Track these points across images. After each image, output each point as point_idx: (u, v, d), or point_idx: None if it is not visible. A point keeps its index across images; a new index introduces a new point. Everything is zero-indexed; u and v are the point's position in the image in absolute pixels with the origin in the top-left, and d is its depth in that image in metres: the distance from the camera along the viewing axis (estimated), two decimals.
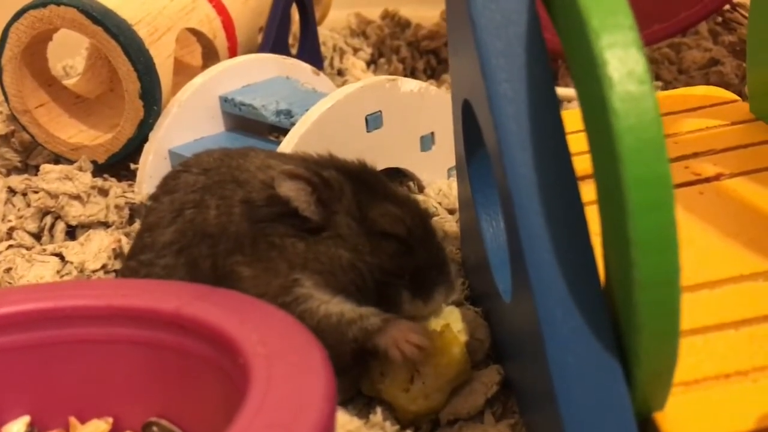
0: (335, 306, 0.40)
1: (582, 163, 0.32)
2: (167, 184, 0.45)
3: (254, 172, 0.42)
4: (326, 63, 0.93)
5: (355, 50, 0.97)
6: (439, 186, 0.64)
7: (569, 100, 0.77)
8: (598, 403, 0.30)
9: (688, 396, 0.32)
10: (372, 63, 0.96)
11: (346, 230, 0.40)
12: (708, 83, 0.80)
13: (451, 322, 0.44)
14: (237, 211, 0.41)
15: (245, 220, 0.40)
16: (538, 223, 0.31)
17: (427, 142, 0.63)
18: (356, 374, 0.44)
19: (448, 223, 0.59)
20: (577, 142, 0.33)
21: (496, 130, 0.31)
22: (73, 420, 0.39)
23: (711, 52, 0.87)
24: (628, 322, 0.29)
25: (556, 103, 0.31)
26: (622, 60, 0.27)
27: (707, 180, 0.45)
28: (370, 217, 0.40)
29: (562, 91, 0.76)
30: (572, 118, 0.33)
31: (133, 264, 0.44)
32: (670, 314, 0.28)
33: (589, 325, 0.30)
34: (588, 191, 0.32)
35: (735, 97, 0.53)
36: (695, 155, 0.47)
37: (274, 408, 0.28)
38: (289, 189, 0.39)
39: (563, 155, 0.31)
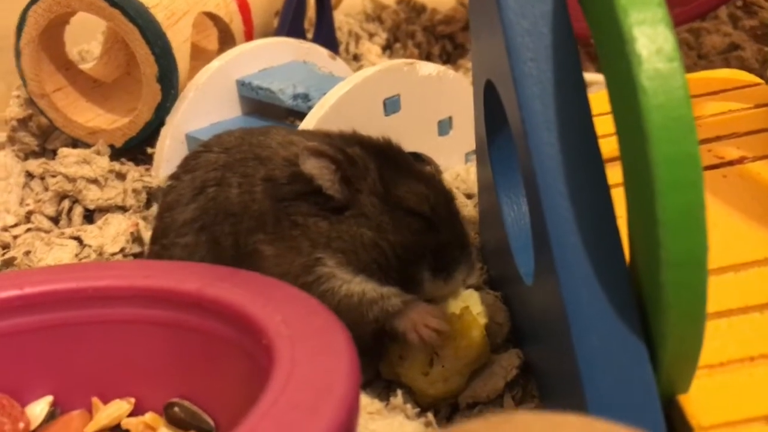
0: (357, 285, 0.39)
1: (607, 146, 0.32)
2: (188, 164, 0.45)
3: (276, 148, 0.42)
4: (341, 48, 0.93)
5: (371, 35, 0.96)
6: (456, 171, 0.64)
7: (590, 85, 0.76)
8: (623, 384, 0.29)
9: (712, 379, 0.32)
10: (387, 48, 0.96)
11: (370, 208, 0.40)
12: (728, 67, 0.79)
13: (470, 305, 0.44)
14: (259, 189, 0.41)
15: (267, 198, 0.40)
16: (563, 205, 0.30)
17: (444, 126, 0.63)
18: (375, 356, 0.44)
19: (466, 208, 0.58)
20: (603, 124, 0.32)
21: (521, 109, 0.31)
22: (95, 400, 0.39)
23: (731, 37, 0.86)
24: (654, 303, 0.29)
25: (582, 83, 0.31)
26: (651, 37, 0.27)
27: (730, 163, 0.44)
28: (394, 194, 0.40)
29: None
30: (598, 100, 0.33)
31: (156, 248, 0.44)
32: (697, 295, 0.28)
33: (615, 306, 0.30)
34: (613, 174, 0.31)
35: (758, 80, 0.53)
36: (718, 138, 0.47)
37: (298, 388, 0.28)
38: (313, 166, 0.39)
39: (589, 135, 0.31)
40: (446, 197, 0.42)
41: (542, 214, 0.31)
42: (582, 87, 0.31)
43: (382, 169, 0.41)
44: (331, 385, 0.28)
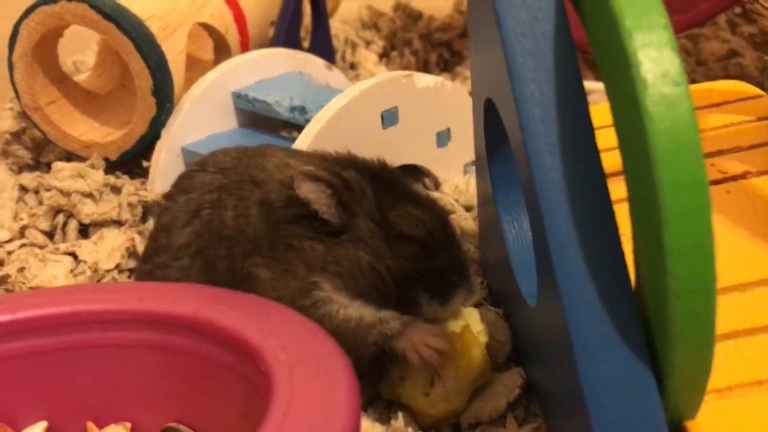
0: (355, 310, 0.39)
1: (611, 160, 0.32)
2: (182, 184, 0.44)
3: (272, 171, 0.41)
4: (338, 56, 0.92)
5: (367, 43, 0.96)
6: (455, 183, 0.63)
7: (589, 93, 0.75)
8: (630, 413, 0.29)
9: (720, 404, 0.32)
10: (384, 56, 0.95)
11: (366, 233, 0.39)
12: (727, 75, 0.79)
13: (471, 323, 0.43)
14: (254, 213, 0.40)
15: (263, 222, 0.40)
16: (566, 229, 0.30)
17: (443, 138, 0.62)
18: (375, 377, 0.43)
19: (465, 221, 0.58)
20: (606, 137, 0.32)
21: (523, 132, 0.30)
22: (90, 425, 0.38)
23: (730, 44, 0.85)
24: (661, 331, 0.28)
25: (585, 105, 0.31)
26: (657, 61, 0.26)
27: (734, 178, 0.44)
28: (390, 219, 0.40)
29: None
30: (599, 113, 0.32)
31: (148, 267, 0.44)
32: (705, 324, 0.27)
33: (620, 332, 0.29)
34: (616, 189, 0.31)
35: (760, 92, 0.52)
36: (720, 152, 0.46)
37: (297, 420, 0.27)
38: (309, 191, 0.38)
39: (592, 159, 0.30)
40: (443, 220, 0.42)
41: (545, 238, 0.30)
42: (585, 108, 0.31)
43: (378, 193, 0.40)
44: (332, 416, 0.27)
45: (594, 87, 0.71)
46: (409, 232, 0.40)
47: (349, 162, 0.42)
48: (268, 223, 0.40)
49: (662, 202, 0.26)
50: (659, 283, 0.27)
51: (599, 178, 0.30)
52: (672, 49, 0.26)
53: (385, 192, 0.40)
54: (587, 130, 0.30)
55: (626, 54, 0.26)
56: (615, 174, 0.32)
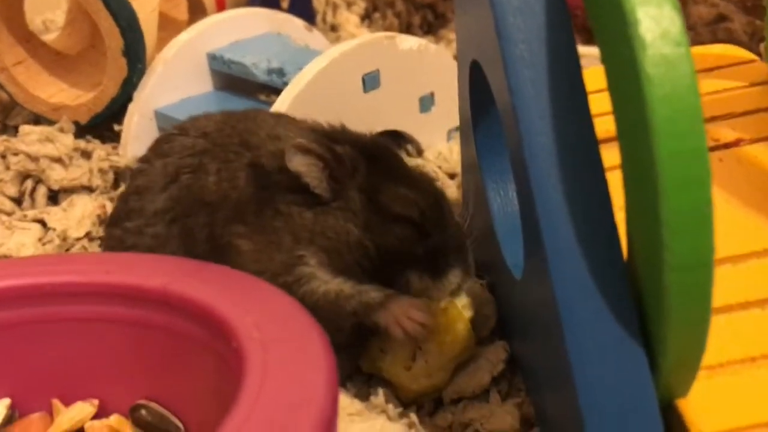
0: (335, 285, 0.37)
1: (603, 125, 0.30)
2: (160, 147, 0.42)
3: (264, 139, 0.40)
4: (318, 18, 0.90)
5: (349, 4, 0.93)
6: (438, 149, 0.61)
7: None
8: (620, 391, 0.27)
9: (712, 381, 0.30)
10: (366, 18, 0.93)
11: (358, 206, 0.38)
12: (715, 40, 0.77)
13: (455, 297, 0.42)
14: (242, 176, 0.38)
15: (251, 185, 0.38)
16: (556, 199, 0.28)
17: (426, 102, 0.61)
18: (355, 351, 0.42)
19: (449, 189, 0.56)
20: (599, 102, 0.30)
21: (512, 95, 0.29)
22: (56, 402, 0.37)
23: (718, 8, 0.83)
24: (654, 307, 0.27)
25: (578, 66, 0.29)
26: (656, 19, 0.24)
27: (726, 146, 0.42)
28: (383, 199, 0.38)
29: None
30: (591, 76, 0.31)
31: (117, 232, 0.42)
32: (702, 299, 0.26)
33: (611, 308, 0.28)
34: (609, 156, 0.29)
35: (753, 56, 0.50)
36: (713, 119, 0.45)
37: (271, 403, 0.25)
38: (300, 164, 0.37)
39: (584, 123, 0.28)
40: (437, 198, 0.40)
41: (534, 208, 0.29)
42: (578, 70, 0.29)
43: (371, 171, 0.39)
44: (307, 400, 0.26)
45: (584, 52, 0.69)
46: (401, 212, 0.38)
47: (342, 136, 0.40)
48: (257, 186, 0.38)
49: (660, 171, 0.24)
50: (654, 256, 0.26)
51: (591, 144, 0.28)
52: (672, 7, 0.24)
53: (378, 169, 0.39)
54: (579, 93, 0.28)
55: (623, 11, 0.24)
56: (607, 140, 0.30)
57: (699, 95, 0.24)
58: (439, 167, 0.60)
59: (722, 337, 0.32)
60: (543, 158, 0.28)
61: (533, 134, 0.28)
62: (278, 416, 0.25)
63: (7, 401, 0.36)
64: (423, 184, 0.40)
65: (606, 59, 0.27)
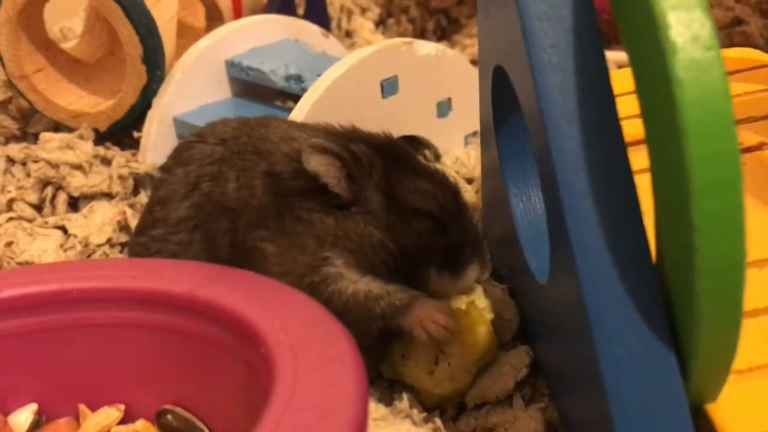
0: (364, 285, 0.38)
1: (630, 128, 0.30)
2: (180, 155, 0.42)
3: (277, 143, 0.40)
4: (333, 24, 0.90)
5: (363, 10, 0.93)
6: (456, 154, 0.61)
7: None
8: (650, 396, 0.27)
9: (741, 386, 0.30)
10: (380, 24, 0.93)
11: (377, 206, 0.38)
12: (731, 44, 0.77)
13: (475, 299, 0.42)
14: (259, 184, 0.39)
15: (268, 194, 0.38)
16: (585, 203, 0.28)
17: (444, 108, 0.61)
18: (377, 356, 0.42)
19: (467, 194, 0.56)
20: (626, 105, 0.30)
21: (539, 101, 0.29)
22: (82, 407, 0.37)
23: (734, 11, 0.83)
24: (684, 311, 0.27)
25: (606, 71, 0.29)
26: (686, 23, 0.24)
27: (749, 150, 0.42)
28: (401, 194, 0.38)
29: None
30: (618, 78, 0.31)
31: (143, 240, 0.42)
32: (733, 304, 0.26)
33: (641, 312, 0.28)
34: (637, 160, 0.29)
35: None
36: (735, 123, 0.44)
37: (302, 408, 0.25)
38: (317, 164, 0.37)
39: (613, 129, 0.28)
40: (454, 193, 0.40)
41: (562, 213, 0.29)
42: (606, 74, 0.29)
43: (388, 168, 0.39)
44: (338, 405, 0.26)
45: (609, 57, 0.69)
46: (421, 206, 0.38)
47: (356, 135, 0.40)
48: (274, 195, 0.38)
49: (691, 175, 0.24)
50: (684, 260, 0.26)
51: (620, 148, 0.28)
52: (703, 11, 0.24)
53: (394, 166, 0.39)
54: (608, 97, 0.29)
55: (654, 15, 0.24)
56: (634, 143, 0.30)
57: (730, 98, 0.24)
58: (457, 172, 0.60)
59: (751, 342, 0.32)
60: (571, 163, 0.28)
61: (561, 139, 0.29)
62: (310, 422, 0.25)
63: (34, 406, 0.37)
64: (440, 179, 0.40)
65: (634, 62, 0.27)
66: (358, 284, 0.38)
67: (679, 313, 0.28)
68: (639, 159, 0.29)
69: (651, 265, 0.28)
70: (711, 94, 0.24)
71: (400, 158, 0.40)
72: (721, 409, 0.30)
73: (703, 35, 0.24)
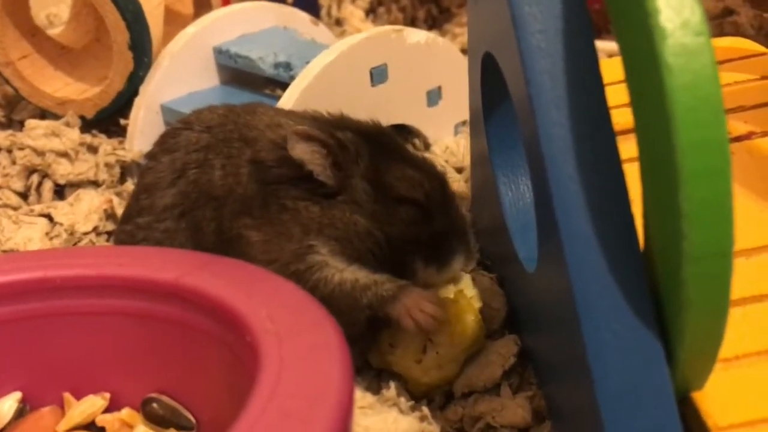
0: (350, 274, 0.37)
1: (619, 117, 0.30)
2: (166, 142, 0.42)
3: (263, 130, 0.39)
4: (323, 12, 0.89)
5: None
6: (446, 143, 0.61)
7: None
8: (637, 383, 0.27)
9: (728, 374, 0.30)
10: (371, 12, 0.92)
11: (362, 195, 0.38)
12: (722, 34, 0.77)
13: (463, 288, 0.42)
14: (245, 172, 0.38)
15: (254, 181, 0.38)
16: (573, 190, 0.28)
17: (434, 96, 0.60)
18: (365, 345, 0.41)
19: (456, 183, 0.56)
20: (615, 94, 0.30)
21: (528, 85, 0.28)
22: (67, 396, 0.37)
23: (725, 2, 0.83)
24: (671, 298, 0.27)
25: (595, 57, 0.29)
26: (676, 8, 0.24)
27: (738, 139, 0.42)
28: (387, 182, 0.38)
29: None
30: (609, 67, 0.30)
31: (129, 228, 0.42)
32: (721, 290, 0.26)
33: (628, 300, 0.28)
34: (626, 149, 0.29)
35: (763, 49, 0.50)
36: (724, 112, 0.44)
37: (288, 395, 0.25)
38: (302, 151, 0.37)
39: (602, 114, 0.28)
40: (441, 182, 0.40)
41: (550, 199, 0.28)
42: (595, 60, 0.29)
43: (374, 155, 0.38)
44: (324, 392, 0.25)
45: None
46: (406, 194, 0.38)
47: (343, 123, 0.40)
48: (259, 183, 0.38)
49: (680, 161, 0.24)
50: (672, 247, 0.26)
51: (608, 134, 0.28)
52: None
53: (381, 154, 0.39)
54: (596, 83, 0.28)
55: (644, 1, 0.24)
56: (623, 132, 0.30)
57: (720, 85, 0.24)
58: (447, 161, 0.59)
59: (738, 330, 0.32)
60: (559, 148, 0.28)
61: (549, 125, 0.28)
62: (296, 408, 0.25)
63: (18, 395, 0.36)
64: (427, 168, 0.40)
65: (624, 49, 0.27)
66: (344, 273, 0.37)
67: (666, 300, 0.27)
68: (627, 148, 0.29)
69: (639, 253, 0.28)
70: (700, 81, 0.24)
71: (388, 146, 0.40)
72: (707, 397, 0.29)
73: (693, 21, 0.24)
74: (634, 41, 0.26)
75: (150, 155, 0.43)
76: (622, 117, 0.30)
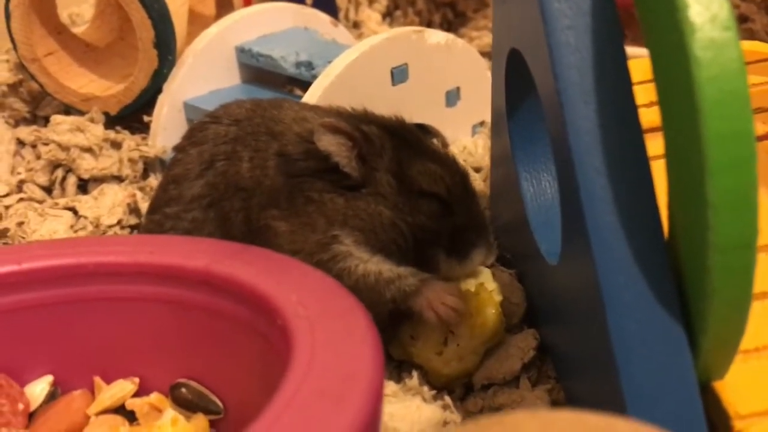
0: (374, 265, 0.38)
1: (647, 116, 0.30)
2: (194, 135, 0.43)
3: (289, 123, 0.40)
4: (341, 15, 0.90)
5: (371, 2, 0.94)
6: (464, 143, 0.62)
7: None
8: (660, 372, 0.28)
9: (747, 365, 0.31)
10: (387, 15, 0.93)
11: (387, 188, 0.38)
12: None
13: (484, 281, 0.43)
14: (271, 164, 0.39)
15: (280, 174, 0.39)
16: (600, 183, 0.29)
17: (452, 97, 0.61)
18: (386, 337, 0.42)
19: (474, 182, 0.57)
20: (642, 93, 0.31)
21: (557, 80, 0.29)
22: (97, 380, 0.37)
23: (739, 9, 0.84)
24: (696, 287, 0.28)
25: (623, 52, 0.29)
26: (705, 4, 0.25)
27: (758, 139, 0.43)
28: (410, 175, 0.39)
29: None
30: (636, 67, 0.31)
31: (157, 217, 0.42)
32: (744, 280, 0.26)
33: (653, 290, 0.28)
34: (652, 146, 0.30)
35: None
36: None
37: (321, 375, 0.26)
38: (329, 143, 0.37)
39: (629, 109, 0.29)
40: (462, 177, 0.41)
41: (577, 192, 0.29)
42: (622, 56, 0.29)
43: (398, 149, 0.39)
44: (356, 372, 0.26)
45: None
46: (429, 188, 0.39)
47: (367, 117, 0.41)
48: (286, 175, 0.39)
49: (706, 153, 0.25)
50: (697, 237, 0.26)
51: (635, 128, 0.29)
52: None
53: (404, 148, 0.40)
54: (624, 79, 0.29)
55: None
56: (649, 131, 0.30)
57: (746, 79, 0.25)
58: (464, 160, 0.60)
59: (757, 323, 0.32)
60: (587, 143, 0.29)
61: (577, 119, 0.29)
62: (329, 386, 0.25)
63: (49, 378, 0.37)
64: (448, 162, 0.41)
65: (651, 44, 0.28)
66: (368, 264, 0.38)
67: (690, 290, 0.28)
68: (651, 146, 0.30)
69: (663, 243, 0.29)
70: (728, 74, 0.25)
71: (411, 141, 0.40)
72: (728, 386, 0.30)
73: (721, 15, 0.25)
74: (663, 35, 0.26)
75: (178, 148, 0.44)
76: (645, 116, 0.30)
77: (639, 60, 0.34)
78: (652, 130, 0.29)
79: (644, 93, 0.30)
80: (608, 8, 0.29)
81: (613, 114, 0.29)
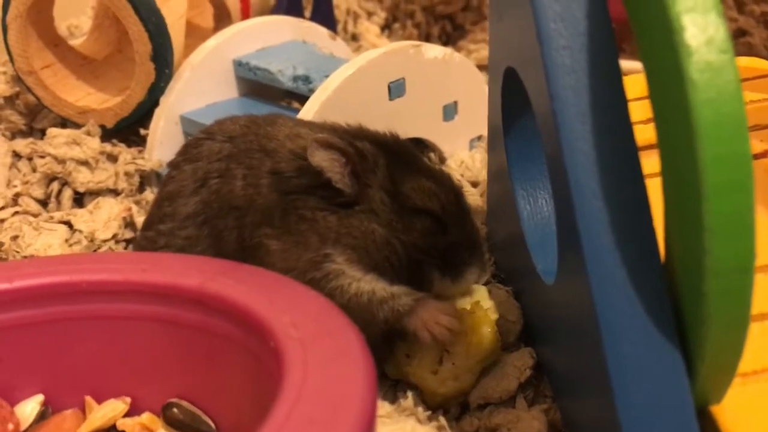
0: (367, 284, 0.38)
1: (643, 133, 0.30)
2: (188, 152, 0.43)
3: (283, 140, 0.40)
4: (339, 27, 0.90)
5: (369, 14, 0.94)
6: (461, 157, 0.61)
7: None
8: (657, 396, 0.28)
9: (745, 389, 0.31)
10: (386, 28, 0.93)
11: (380, 205, 0.38)
12: (736, 55, 0.77)
13: (480, 299, 0.42)
14: (265, 182, 0.39)
15: (274, 192, 0.38)
16: (596, 204, 0.28)
17: (450, 111, 0.61)
18: (382, 356, 0.42)
19: (471, 197, 0.56)
20: (638, 110, 0.30)
21: (552, 101, 0.29)
22: (89, 399, 0.37)
23: (738, 23, 0.84)
24: (692, 311, 0.27)
25: (618, 72, 0.29)
26: (701, 26, 0.25)
27: (755, 157, 0.43)
28: (404, 192, 0.38)
29: None
30: (632, 84, 0.31)
31: (151, 234, 0.42)
32: (742, 304, 0.26)
33: (649, 312, 0.28)
34: (648, 164, 0.30)
35: None
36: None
37: (312, 400, 0.26)
38: (322, 159, 0.37)
39: (625, 129, 0.29)
40: (456, 194, 0.40)
41: (573, 213, 0.29)
42: (618, 76, 0.29)
43: (392, 166, 0.39)
44: (348, 396, 0.26)
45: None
46: (422, 205, 0.39)
47: (362, 133, 0.41)
48: (279, 193, 0.38)
49: (703, 176, 0.24)
50: (693, 261, 0.26)
51: (631, 149, 0.29)
52: (717, 14, 0.25)
53: (398, 164, 0.39)
54: (620, 99, 0.29)
55: (669, 18, 0.25)
56: (644, 148, 0.30)
57: (743, 102, 0.24)
58: (462, 175, 0.60)
59: (756, 346, 0.32)
60: (582, 163, 0.29)
61: (573, 140, 0.29)
62: (320, 414, 0.25)
63: (40, 397, 0.37)
64: (442, 179, 0.41)
65: (648, 65, 0.27)
66: (361, 283, 0.38)
67: (686, 313, 0.28)
68: (647, 164, 0.29)
69: (660, 266, 0.29)
70: (724, 97, 0.24)
71: (405, 157, 0.40)
72: (725, 410, 0.30)
73: (717, 38, 0.25)
74: (659, 57, 0.26)
75: (172, 164, 0.44)
76: (642, 133, 0.30)
77: (635, 76, 0.34)
78: (649, 147, 0.29)
79: (641, 109, 0.30)
80: (604, 28, 0.29)
81: (609, 135, 0.29)
